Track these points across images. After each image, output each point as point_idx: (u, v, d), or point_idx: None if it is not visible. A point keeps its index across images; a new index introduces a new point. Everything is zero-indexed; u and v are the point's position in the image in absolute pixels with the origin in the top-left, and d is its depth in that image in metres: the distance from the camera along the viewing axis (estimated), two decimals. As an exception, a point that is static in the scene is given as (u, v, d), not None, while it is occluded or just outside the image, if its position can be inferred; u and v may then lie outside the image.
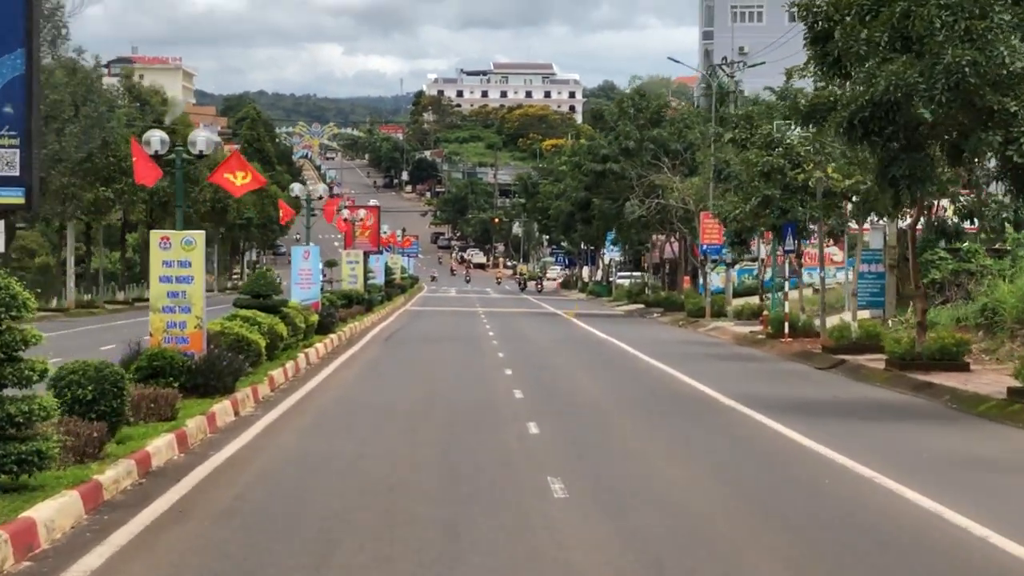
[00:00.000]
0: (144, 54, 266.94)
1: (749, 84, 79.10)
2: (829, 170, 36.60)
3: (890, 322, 43.47)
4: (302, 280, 41.08)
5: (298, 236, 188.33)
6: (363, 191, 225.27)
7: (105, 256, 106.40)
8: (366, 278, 62.77)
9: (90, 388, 15.96)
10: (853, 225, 45.89)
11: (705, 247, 59.88)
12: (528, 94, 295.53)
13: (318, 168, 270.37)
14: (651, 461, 17.76)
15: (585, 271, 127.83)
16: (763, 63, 62.86)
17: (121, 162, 65.52)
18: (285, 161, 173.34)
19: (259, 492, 14.80)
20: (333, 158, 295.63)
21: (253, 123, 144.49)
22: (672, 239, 75.36)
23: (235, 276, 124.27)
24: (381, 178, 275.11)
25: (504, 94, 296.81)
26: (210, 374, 21.90)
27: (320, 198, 44.11)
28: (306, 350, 33.24)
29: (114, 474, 14.44)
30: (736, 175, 45.05)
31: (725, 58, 73.79)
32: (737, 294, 73.78)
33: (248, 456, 17.47)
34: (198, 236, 22.79)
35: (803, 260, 69.40)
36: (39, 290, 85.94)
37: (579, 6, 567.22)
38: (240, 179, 23.96)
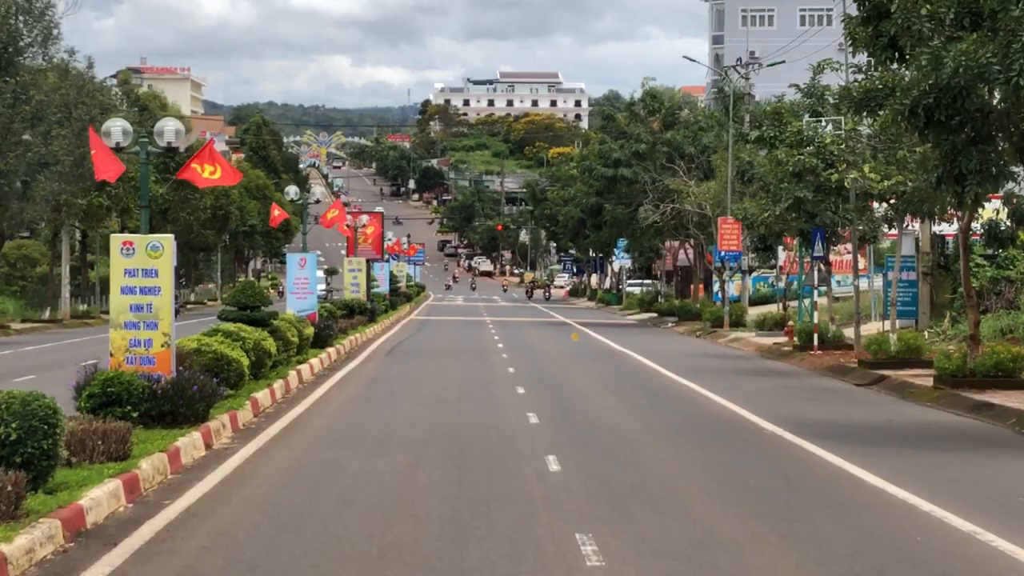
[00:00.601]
0: (153, 65, 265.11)
1: (761, 89, 75.86)
2: (866, 170, 33.26)
3: (926, 333, 40.24)
4: (298, 289, 37.78)
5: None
6: (370, 199, 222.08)
7: (107, 265, 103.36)
8: (369, 287, 59.50)
9: (14, 426, 12.73)
10: (885, 230, 42.70)
11: (723, 254, 56.53)
12: (534, 103, 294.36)
13: (325, 176, 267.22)
14: (699, 511, 14.46)
15: (594, 279, 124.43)
16: (783, 62, 59.56)
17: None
18: (292, 169, 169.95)
19: (213, 562, 11.50)
20: (340, 167, 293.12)
21: (258, 129, 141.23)
22: (687, 245, 71.80)
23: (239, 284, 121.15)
24: (388, 186, 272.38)
25: (510, 103, 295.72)
26: (179, 400, 18.64)
27: (317, 201, 40.27)
28: (299, 367, 29.95)
29: (28, 541, 11.19)
30: (760, 176, 41.70)
31: (740, 59, 70.49)
32: (752, 303, 70.71)
33: (210, 507, 14.18)
34: (166, 241, 19.54)
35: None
36: (36, 300, 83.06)
37: (582, 18, 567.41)
38: (207, 172, 20.70)
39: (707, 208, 59.89)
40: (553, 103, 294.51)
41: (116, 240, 19.49)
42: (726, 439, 20.76)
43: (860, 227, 37.99)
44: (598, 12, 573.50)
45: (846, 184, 33.96)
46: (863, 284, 72.42)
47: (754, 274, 66.08)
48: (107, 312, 66.33)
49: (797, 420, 23.11)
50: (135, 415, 17.21)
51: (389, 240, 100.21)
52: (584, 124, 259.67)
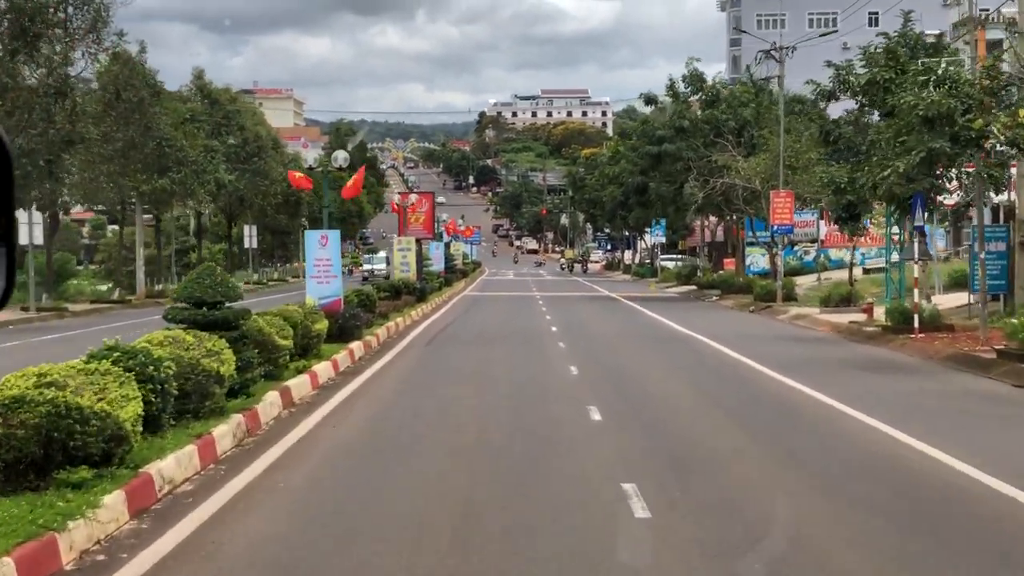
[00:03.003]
0: (263, 87, 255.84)
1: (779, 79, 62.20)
2: (1022, 114, 19.89)
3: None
4: (319, 272, 24.70)
5: (384, 233, 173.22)
6: (437, 191, 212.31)
7: (206, 248, 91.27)
8: (421, 266, 46.48)
9: None
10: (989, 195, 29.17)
11: (775, 227, 43.17)
12: (569, 113, 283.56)
13: (402, 175, 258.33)
14: None
15: (627, 255, 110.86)
16: (835, 31, 46.25)
17: (178, 152, 49.63)
18: (370, 167, 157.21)
19: None
20: (413, 167, 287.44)
21: (337, 132, 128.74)
22: (731, 218, 57.37)
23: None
24: (452, 181, 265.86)
25: (550, 114, 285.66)
26: None
27: (340, 168, 27.24)
28: (292, 381, 16.93)
29: None
30: (848, 136, 28.28)
31: (774, 43, 56.70)
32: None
33: None
34: None
35: (863, 240, 52.65)
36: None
37: (603, 51, 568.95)
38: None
39: (756, 182, 46.25)
40: (584, 113, 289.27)
41: None
42: (987, 548, 7.73)
43: (993, 187, 24.51)
44: (615, 47, 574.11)
45: (995, 131, 20.47)
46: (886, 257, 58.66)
47: (795, 247, 52.14)
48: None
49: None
50: None
51: (444, 220, 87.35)
52: (609, 130, 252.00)
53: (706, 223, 67.89)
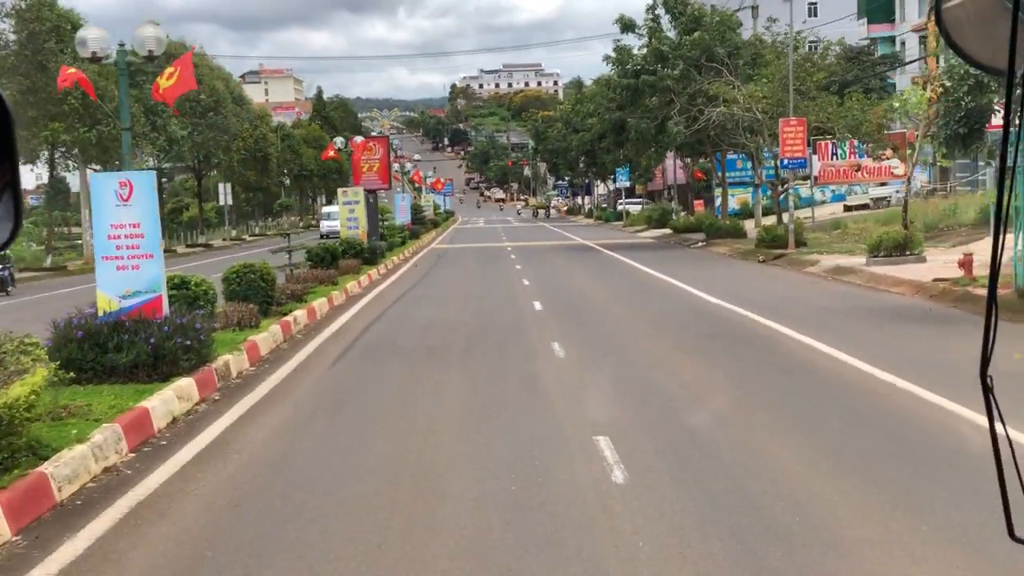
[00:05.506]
0: (267, 68, 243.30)
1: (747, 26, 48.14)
2: None
3: None
4: (120, 251, 10.83)
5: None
6: (416, 152, 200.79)
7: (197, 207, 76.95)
8: (374, 221, 32.63)
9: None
10: None
11: (785, 161, 29.69)
12: (526, 83, 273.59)
13: (387, 138, 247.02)
14: None
15: (586, 200, 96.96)
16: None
17: (109, 103, 35.34)
18: (359, 132, 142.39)
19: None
20: (398, 133, 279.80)
21: (320, 95, 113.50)
22: (707, 159, 43.19)
23: (308, 217, 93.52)
24: (430, 143, 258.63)
25: (510, 84, 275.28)
26: None
27: (150, 55, 12.13)
28: None
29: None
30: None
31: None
32: (749, 215, 43.94)
33: None
34: None
35: (861, 174, 39.21)
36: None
37: (550, 35, 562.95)
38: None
39: (755, 111, 32.35)
40: (539, 83, 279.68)
41: None
42: None
43: None
44: (560, 31, 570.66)
45: None
46: (889, 190, 45.22)
47: (791, 185, 38.43)
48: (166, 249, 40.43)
49: None
50: None
51: (406, 172, 73.36)
52: (560, 96, 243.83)
53: (680, 164, 53.75)
